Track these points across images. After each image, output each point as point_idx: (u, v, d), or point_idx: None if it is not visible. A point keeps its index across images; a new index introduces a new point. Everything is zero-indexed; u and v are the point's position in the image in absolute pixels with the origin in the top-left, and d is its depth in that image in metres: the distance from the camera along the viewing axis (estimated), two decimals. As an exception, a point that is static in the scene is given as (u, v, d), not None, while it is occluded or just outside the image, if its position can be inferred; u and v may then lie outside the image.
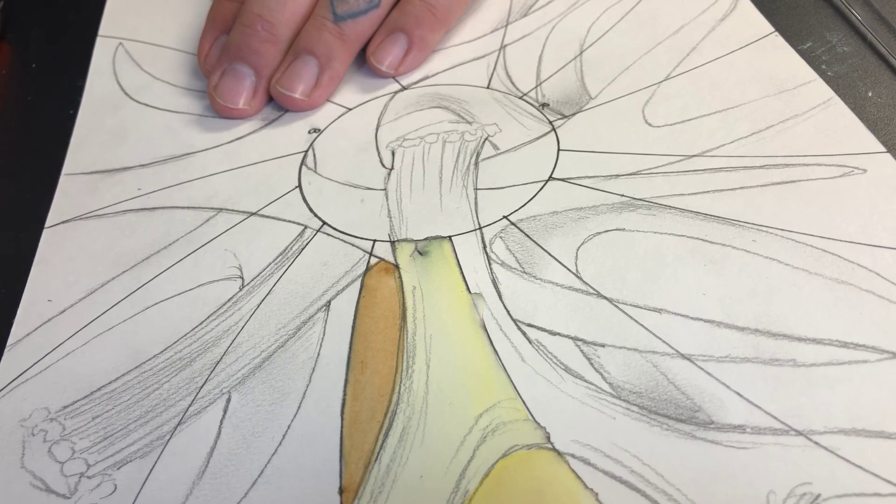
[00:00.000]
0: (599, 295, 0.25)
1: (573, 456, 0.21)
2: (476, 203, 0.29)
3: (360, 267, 0.27)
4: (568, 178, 0.29)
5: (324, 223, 0.29)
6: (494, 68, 0.35)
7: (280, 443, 0.23)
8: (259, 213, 0.30)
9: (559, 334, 0.24)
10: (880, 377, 0.22)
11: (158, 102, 0.36)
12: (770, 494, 0.20)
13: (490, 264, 0.26)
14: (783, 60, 0.32)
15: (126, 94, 0.37)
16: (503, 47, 0.36)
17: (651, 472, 0.20)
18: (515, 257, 0.26)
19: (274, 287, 0.27)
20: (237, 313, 0.26)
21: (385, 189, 0.30)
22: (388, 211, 0.29)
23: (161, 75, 0.37)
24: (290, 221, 0.29)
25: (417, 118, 0.33)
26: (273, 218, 0.30)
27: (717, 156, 0.29)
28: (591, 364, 0.23)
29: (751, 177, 0.28)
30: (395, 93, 0.35)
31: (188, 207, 0.31)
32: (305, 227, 0.29)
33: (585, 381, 0.23)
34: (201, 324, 0.26)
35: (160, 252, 0.29)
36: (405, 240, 0.28)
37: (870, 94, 0.30)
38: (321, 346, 0.25)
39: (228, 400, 0.24)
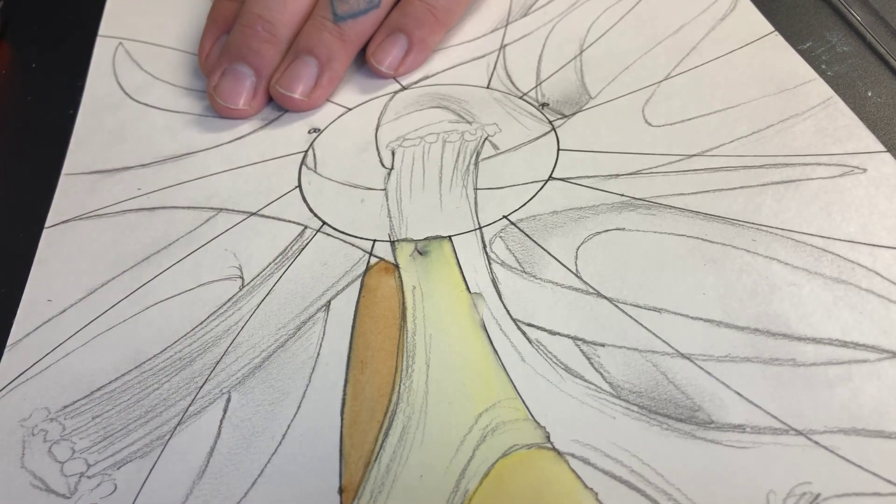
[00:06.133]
0: (599, 294, 0.25)
1: (573, 455, 0.21)
2: (476, 203, 0.29)
3: (359, 267, 0.27)
4: (568, 178, 0.29)
5: (324, 223, 0.29)
6: (494, 68, 0.35)
7: (280, 443, 0.23)
8: (259, 213, 0.30)
9: (559, 334, 0.24)
10: (880, 377, 0.22)
11: (158, 102, 0.36)
12: (770, 494, 0.20)
13: (490, 264, 0.26)
14: (783, 60, 0.32)
15: (126, 94, 0.37)
16: (503, 47, 0.36)
17: (651, 472, 0.20)
18: (515, 257, 0.26)
19: (274, 287, 0.27)
20: (237, 313, 0.26)
21: (385, 189, 0.30)
22: (388, 211, 0.29)
23: (161, 75, 0.37)
24: (290, 221, 0.29)
25: (417, 118, 0.33)
26: (273, 218, 0.30)
27: (717, 155, 0.29)
28: (591, 364, 0.23)
29: (751, 176, 0.28)
30: (395, 93, 0.35)
31: (188, 207, 0.31)
32: (305, 227, 0.29)
33: (585, 380, 0.23)
34: (201, 324, 0.26)
35: (160, 252, 0.29)
36: (405, 240, 0.28)
37: (869, 94, 0.30)
38: (321, 345, 0.25)
39: (228, 400, 0.24)
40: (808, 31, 0.33)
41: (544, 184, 0.29)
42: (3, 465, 0.23)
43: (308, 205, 0.30)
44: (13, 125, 0.36)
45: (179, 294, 0.27)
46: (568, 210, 0.28)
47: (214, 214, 0.30)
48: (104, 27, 0.41)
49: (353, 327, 0.25)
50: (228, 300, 0.27)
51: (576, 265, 0.26)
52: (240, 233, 0.29)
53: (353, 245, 0.28)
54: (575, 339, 0.24)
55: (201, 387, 0.24)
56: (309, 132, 0.33)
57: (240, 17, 0.34)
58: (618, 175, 0.29)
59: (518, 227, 0.27)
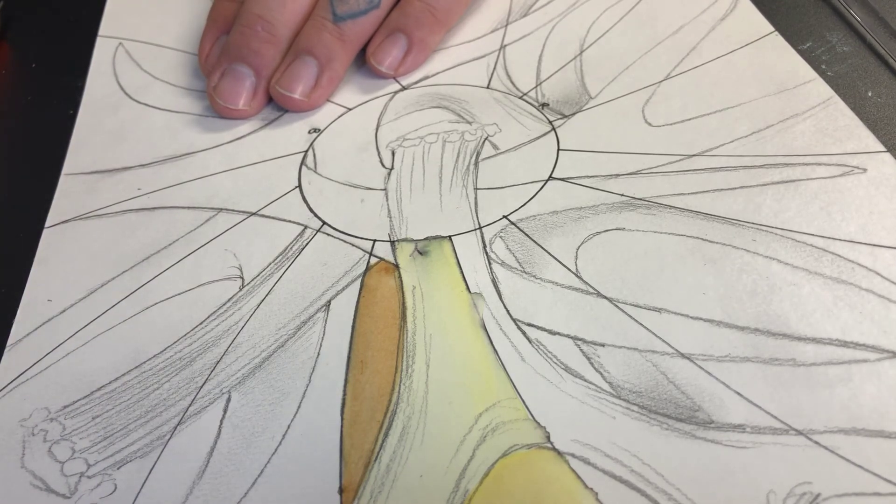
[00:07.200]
0: (599, 294, 0.25)
1: (573, 455, 0.21)
2: (476, 203, 0.29)
3: (359, 267, 0.27)
4: (568, 178, 0.29)
5: (324, 223, 0.29)
6: (494, 68, 0.35)
7: (280, 443, 0.23)
8: (259, 213, 0.30)
9: (559, 334, 0.24)
10: (880, 377, 0.22)
11: (158, 102, 0.36)
12: (770, 494, 0.20)
13: (490, 264, 0.26)
14: (783, 60, 0.32)
15: (126, 94, 0.37)
16: (503, 47, 0.36)
17: (651, 472, 0.20)
18: (515, 257, 0.26)
19: (274, 287, 0.27)
20: (237, 313, 0.26)
21: (385, 189, 0.30)
22: (388, 211, 0.29)
23: (161, 75, 0.37)
24: (290, 221, 0.29)
25: (417, 118, 0.33)
26: (273, 218, 0.30)
27: (717, 155, 0.29)
28: (591, 363, 0.23)
29: (751, 176, 0.28)
30: (395, 93, 0.35)
31: (188, 207, 0.31)
32: (305, 227, 0.29)
33: (585, 380, 0.23)
34: (201, 324, 0.26)
35: (160, 252, 0.29)
36: (405, 239, 0.28)
37: (869, 94, 0.30)
38: (321, 345, 0.25)
39: (228, 400, 0.24)
40: (808, 31, 0.33)
41: (544, 184, 0.29)
42: (3, 465, 0.23)
43: (308, 205, 0.30)
44: (13, 125, 0.36)
45: (179, 294, 0.27)
46: (568, 210, 0.28)
47: (214, 214, 0.30)
48: (104, 27, 0.41)
49: (353, 327, 0.25)
50: (228, 300, 0.27)
51: (576, 265, 0.26)
52: (240, 233, 0.29)
53: (353, 245, 0.28)
54: (575, 339, 0.24)
55: (201, 387, 0.24)
56: (309, 132, 0.33)
57: (239, 17, 0.34)
58: (618, 175, 0.29)
59: (518, 227, 0.27)
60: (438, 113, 0.33)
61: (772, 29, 0.34)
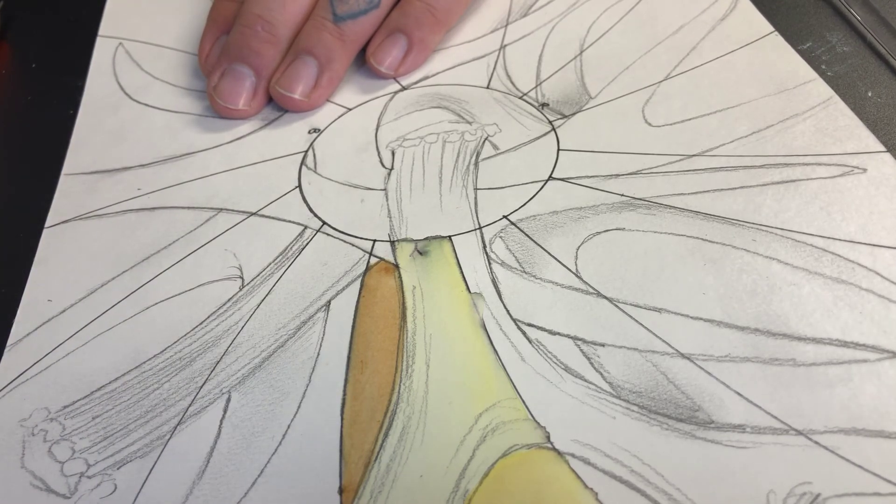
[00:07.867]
0: (599, 294, 0.25)
1: (573, 455, 0.21)
2: (476, 203, 0.29)
3: (359, 267, 0.27)
4: (568, 178, 0.29)
5: (324, 223, 0.29)
6: (494, 68, 0.35)
7: (280, 443, 0.23)
8: (259, 213, 0.30)
9: (559, 334, 0.24)
10: (880, 377, 0.22)
11: (158, 102, 0.36)
12: (770, 494, 0.20)
13: (490, 264, 0.26)
14: (783, 60, 0.32)
15: (126, 94, 0.37)
16: (503, 47, 0.36)
17: (651, 472, 0.20)
18: (515, 257, 0.26)
19: (274, 287, 0.27)
20: (237, 313, 0.26)
21: (385, 189, 0.30)
22: (388, 211, 0.29)
23: (161, 75, 0.37)
24: (290, 221, 0.29)
25: (417, 118, 0.33)
26: (273, 218, 0.30)
27: (717, 155, 0.29)
28: (591, 363, 0.23)
29: (751, 176, 0.28)
30: (395, 93, 0.35)
31: (188, 207, 0.31)
32: (305, 227, 0.29)
33: (585, 380, 0.23)
34: (201, 324, 0.26)
35: (160, 252, 0.29)
36: (405, 240, 0.28)
37: (870, 94, 0.30)
38: (321, 345, 0.25)
39: (228, 400, 0.24)
40: (808, 31, 0.33)
41: (544, 184, 0.29)
42: (3, 465, 0.23)
43: (308, 205, 0.30)
44: (13, 125, 0.36)
45: (179, 294, 0.27)
46: (568, 210, 0.28)
47: (214, 214, 0.30)
48: (104, 27, 0.41)
49: (353, 327, 0.25)
50: (228, 300, 0.27)
51: (576, 265, 0.26)
52: (240, 233, 0.29)
53: (353, 245, 0.28)
54: (575, 339, 0.24)
55: (201, 387, 0.24)
56: (309, 132, 0.33)
57: (239, 17, 0.34)
58: (618, 175, 0.29)
59: (518, 227, 0.27)
60: (438, 113, 0.33)
61: (772, 29, 0.34)
